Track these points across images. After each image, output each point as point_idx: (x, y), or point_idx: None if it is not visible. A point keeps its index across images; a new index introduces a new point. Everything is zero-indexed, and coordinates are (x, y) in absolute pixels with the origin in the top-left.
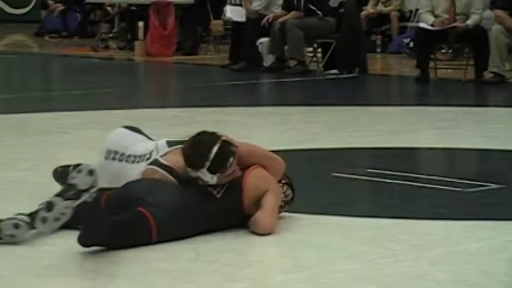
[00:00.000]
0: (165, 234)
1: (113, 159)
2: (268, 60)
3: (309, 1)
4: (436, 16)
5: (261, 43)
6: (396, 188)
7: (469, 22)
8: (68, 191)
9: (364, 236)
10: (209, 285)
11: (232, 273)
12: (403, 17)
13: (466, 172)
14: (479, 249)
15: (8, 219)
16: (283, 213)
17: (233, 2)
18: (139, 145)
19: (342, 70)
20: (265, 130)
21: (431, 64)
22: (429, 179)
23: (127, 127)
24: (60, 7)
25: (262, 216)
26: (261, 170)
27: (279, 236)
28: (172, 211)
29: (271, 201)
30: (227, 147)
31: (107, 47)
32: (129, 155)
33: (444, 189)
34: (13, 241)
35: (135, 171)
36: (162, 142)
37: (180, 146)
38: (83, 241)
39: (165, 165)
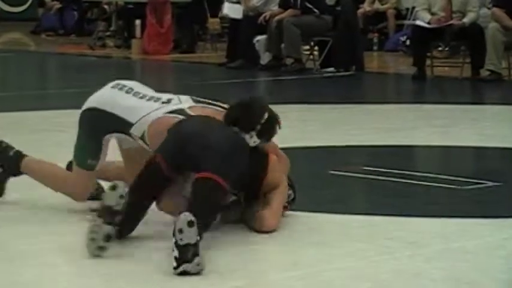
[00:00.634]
0: (232, 184)
1: (127, 92)
2: (265, 58)
3: None
4: (432, 14)
5: (257, 41)
6: (392, 185)
7: (466, 20)
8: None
9: (361, 233)
10: (207, 284)
11: (231, 271)
12: (400, 14)
13: (463, 170)
14: (475, 247)
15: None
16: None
17: None
18: (152, 91)
19: (338, 68)
20: None
21: (428, 62)
22: (425, 176)
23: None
24: (57, 5)
25: (268, 214)
26: (279, 164)
27: (277, 233)
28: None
29: (278, 200)
30: (274, 116)
31: (104, 45)
32: (141, 93)
33: (440, 186)
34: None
35: (150, 109)
36: (184, 96)
37: (209, 104)
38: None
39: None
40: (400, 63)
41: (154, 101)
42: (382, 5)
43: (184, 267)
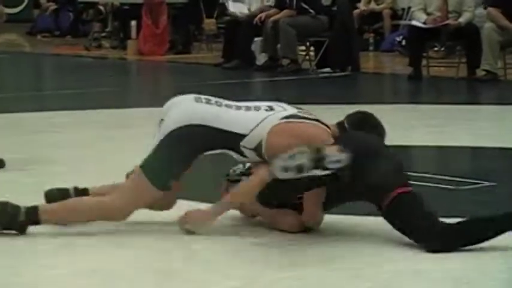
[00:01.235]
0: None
1: (217, 105)
2: (261, 58)
3: None
4: (428, 14)
5: (253, 42)
6: None
7: (462, 20)
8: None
9: (359, 233)
10: (203, 284)
11: (227, 271)
12: (396, 15)
13: (459, 170)
14: (473, 247)
15: None
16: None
17: None
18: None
19: (334, 68)
20: None
21: (424, 62)
22: (422, 176)
23: None
24: (52, 6)
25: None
26: None
27: (274, 234)
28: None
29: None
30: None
31: (99, 46)
32: (232, 104)
33: (437, 186)
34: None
35: (259, 119)
36: (274, 102)
37: (307, 114)
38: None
39: (315, 119)
40: (396, 63)
41: (255, 109)
42: (378, 5)
43: None
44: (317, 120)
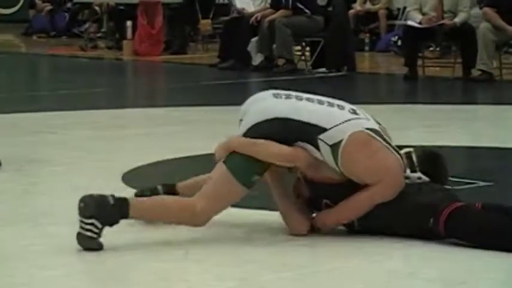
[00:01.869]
0: None
1: (297, 99)
2: (256, 59)
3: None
4: (423, 14)
5: (249, 42)
6: None
7: (457, 20)
8: None
9: (354, 234)
10: (199, 285)
11: (223, 272)
12: (391, 15)
13: (454, 170)
14: (468, 247)
15: None
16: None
17: None
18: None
19: (330, 68)
20: None
21: (419, 62)
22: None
23: None
24: (48, 7)
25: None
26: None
27: (269, 235)
28: None
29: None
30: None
31: (95, 47)
32: (314, 99)
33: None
34: None
35: (344, 118)
36: (359, 110)
37: (385, 135)
38: None
39: (389, 143)
40: (392, 64)
41: (339, 108)
42: (374, 5)
43: None
44: (391, 145)
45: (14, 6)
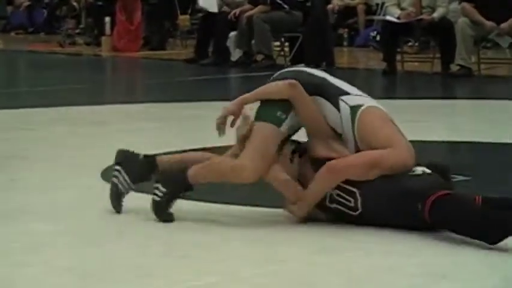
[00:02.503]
0: None
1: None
2: (235, 54)
3: None
4: (402, 9)
5: (228, 37)
6: None
7: (435, 15)
8: None
9: (335, 228)
10: (180, 280)
11: (203, 267)
12: (370, 10)
13: None
14: (449, 241)
15: None
16: (253, 209)
17: None
18: None
19: (309, 64)
20: None
21: (398, 57)
22: None
23: None
24: (26, 3)
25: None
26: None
27: (249, 230)
28: None
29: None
30: None
31: (73, 43)
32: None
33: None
34: None
35: (365, 94)
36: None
37: None
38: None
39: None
40: (371, 59)
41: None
42: (352, 0)
43: None
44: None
45: None
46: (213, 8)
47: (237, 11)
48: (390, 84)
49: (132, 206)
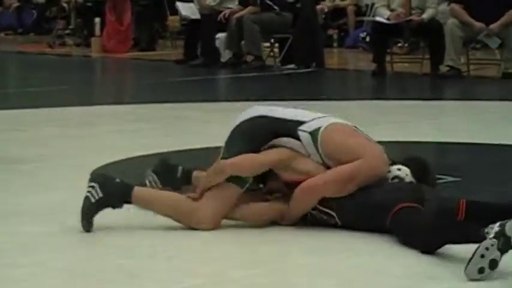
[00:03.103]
0: None
1: (270, 106)
2: (225, 55)
3: None
4: (391, 10)
5: (217, 38)
6: None
7: (425, 16)
8: None
9: (322, 229)
10: (168, 282)
11: (191, 269)
12: (360, 11)
13: None
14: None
15: None
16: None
17: None
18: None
19: (299, 65)
20: (222, 126)
21: (388, 58)
22: None
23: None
24: (15, 3)
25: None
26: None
27: (237, 232)
28: None
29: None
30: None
31: (63, 44)
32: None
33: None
34: None
35: (322, 115)
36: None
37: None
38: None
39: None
40: (360, 60)
41: (315, 112)
42: (342, 1)
43: None
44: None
45: None
46: (195, 14)
47: (227, 12)
48: (380, 85)
49: (122, 209)
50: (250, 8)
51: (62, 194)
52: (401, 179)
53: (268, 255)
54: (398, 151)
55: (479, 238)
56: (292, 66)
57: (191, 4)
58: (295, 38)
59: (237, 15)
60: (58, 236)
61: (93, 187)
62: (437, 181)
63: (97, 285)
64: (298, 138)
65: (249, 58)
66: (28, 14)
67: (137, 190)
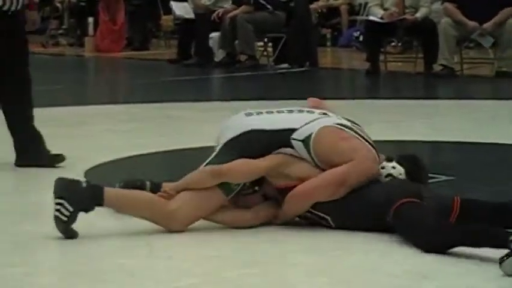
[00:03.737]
0: None
1: (267, 113)
2: (219, 55)
3: None
4: (385, 9)
5: (211, 38)
6: None
7: (418, 15)
8: None
9: (318, 229)
10: (165, 281)
11: (187, 268)
12: (353, 10)
13: None
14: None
15: None
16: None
17: None
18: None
19: (292, 64)
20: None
21: (381, 57)
22: None
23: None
24: None
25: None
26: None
27: (234, 231)
28: None
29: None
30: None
31: (56, 44)
32: (283, 110)
33: None
34: None
35: (312, 118)
36: (331, 113)
37: (360, 131)
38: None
39: (367, 140)
40: (354, 59)
41: (309, 112)
42: (335, 0)
43: None
44: (369, 143)
45: None
46: (189, 14)
47: (220, 11)
48: (373, 85)
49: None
50: (243, 7)
51: None
52: (394, 178)
53: (264, 254)
54: (392, 150)
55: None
56: (285, 65)
57: (185, 3)
58: (289, 37)
59: (231, 14)
60: (53, 236)
61: (61, 204)
62: (429, 179)
63: (94, 285)
64: (292, 147)
65: (243, 57)
66: None
67: (108, 191)
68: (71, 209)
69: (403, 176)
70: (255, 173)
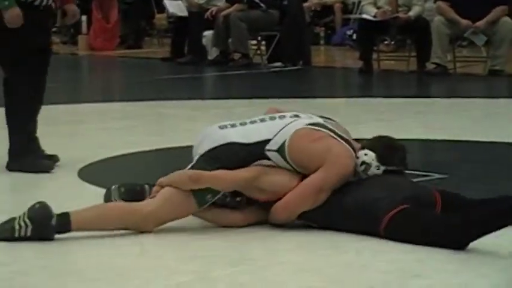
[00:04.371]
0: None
1: (241, 124)
2: (212, 53)
3: None
4: (378, 8)
5: (204, 36)
6: None
7: (411, 13)
8: None
9: (308, 227)
10: (153, 280)
11: (177, 267)
12: (347, 8)
13: (410, 162)
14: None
15: None
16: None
17: None
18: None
19: (285, 62)
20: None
21: (374, 56)
22: None
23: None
24: None
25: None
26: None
27: (224, 229)
28: None
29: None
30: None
31: None
32: (256, 119)
33: None
34: None
35: (284, 124)
36: (304, 114)
37: (335, 127)
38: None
39: (342, 137)
40: (347, 57)
41: (280, 118)
42: None
43: None
44: (343, 138)
45: None
46: (183, 12)
47: (214, 9)
48: (366, 83)
49: None
50: (237, 6)
51: (49, 192)
52: (368, 164)
53: (254, 252)
54: None
55: None
56: (279, 64)
57: (179, 1)
58: (282, 35)
59: (224, 12)
60: None
61: (26, 225)
62: (405, 159)
63: (85, 284)
64: (268, 158)
65: (236, 56)
66: None
67: (74, 214)
68: (29, 234)
69: (375, 162)
70: (237, 183)
